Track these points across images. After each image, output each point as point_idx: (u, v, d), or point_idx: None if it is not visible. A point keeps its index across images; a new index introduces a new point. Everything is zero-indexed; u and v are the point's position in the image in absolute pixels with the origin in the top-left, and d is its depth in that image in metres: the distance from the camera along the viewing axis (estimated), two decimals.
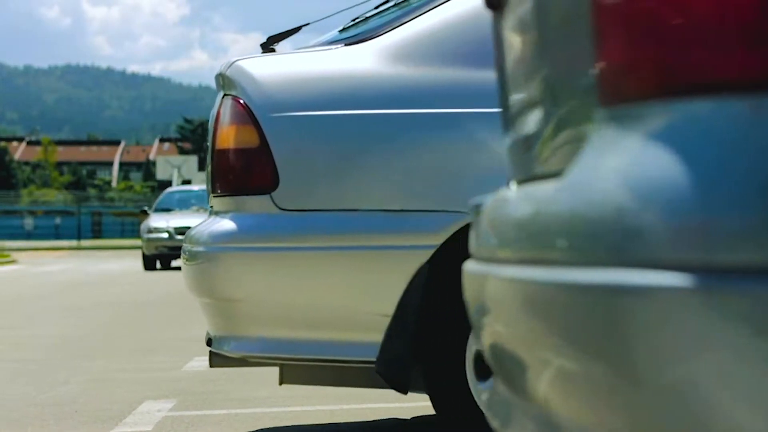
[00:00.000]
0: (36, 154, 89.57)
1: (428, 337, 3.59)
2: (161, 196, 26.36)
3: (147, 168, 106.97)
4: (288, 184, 3.57)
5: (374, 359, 3.56)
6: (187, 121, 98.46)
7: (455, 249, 3.51)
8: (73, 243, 48.66)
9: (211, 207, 3.91)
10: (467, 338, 3.55)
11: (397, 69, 3.63)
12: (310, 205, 3.57)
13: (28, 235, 53.84)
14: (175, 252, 23.24)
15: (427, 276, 3.52)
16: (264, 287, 3.58)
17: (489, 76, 3.48)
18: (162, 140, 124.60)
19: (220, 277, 3.63)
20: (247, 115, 3.63)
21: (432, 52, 3.64)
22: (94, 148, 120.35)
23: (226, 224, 3.64)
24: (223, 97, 3.76)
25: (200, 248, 3.70)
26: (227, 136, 3.68)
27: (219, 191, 3.74)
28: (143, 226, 24.31)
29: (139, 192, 77.78)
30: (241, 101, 3.65)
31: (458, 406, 3.59)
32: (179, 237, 22.83)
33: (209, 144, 3.89)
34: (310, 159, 3.58)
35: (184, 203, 25.36)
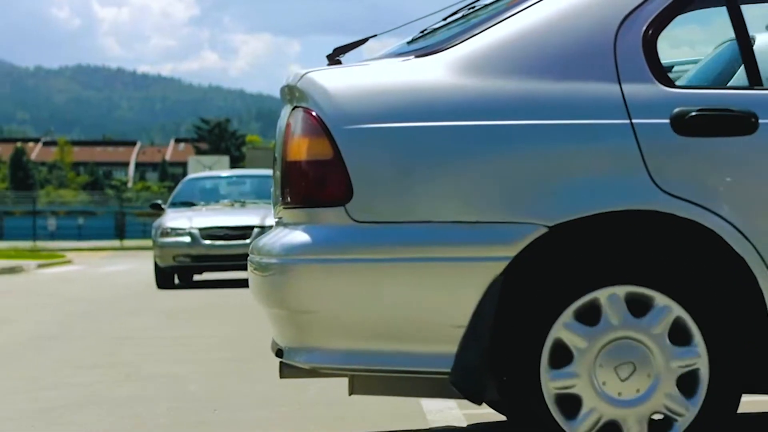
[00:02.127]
0: (52, 154, 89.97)
1: (502, 348, 3.62)
2: (180, 185, 19.35)
3: (163, 168, 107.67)
4: (362, 196, 3.60)
5: (447, 370, 3.59)
6: (203, 121, 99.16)
7: (529, 260, 3.57)
8: (116, 243, 49.34)
9: (279, 218, 3.94)
10: (541, 348, 3.59)
11: (469, 80, 3.66)
12: (384, 217, 3.60)
13: (52, 236, 54.24)
14: (201, 264, 17.00)
15: (502, 287, 3.55)
16: (337, 299, 3.61)
17: (561, 87, 3.62)
18: (177, 140, 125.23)
19: (293, 289, 3.66)
20: (320, 127, 3.66)
21: (504, 64, 3.67)
22: (110, 148, 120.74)
23: (299, 236, 3.66)
24: (293, 109, 3.78)
25: (272, 260, 3.72)
26: (299, 147, 3.71)
27: (290, 203, 3.76)
28: (156, 226, 17.41)
29: (156, 192, 78.32)
30: (314, 113, 3.68)
31: (532, 416, 3.64)
32: (207, 242, 16.70)
33: (278, 155, 3.92)
34: (384, 171, 3.62)
35: (211, 195, 18.75)
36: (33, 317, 11.92)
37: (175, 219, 17.11)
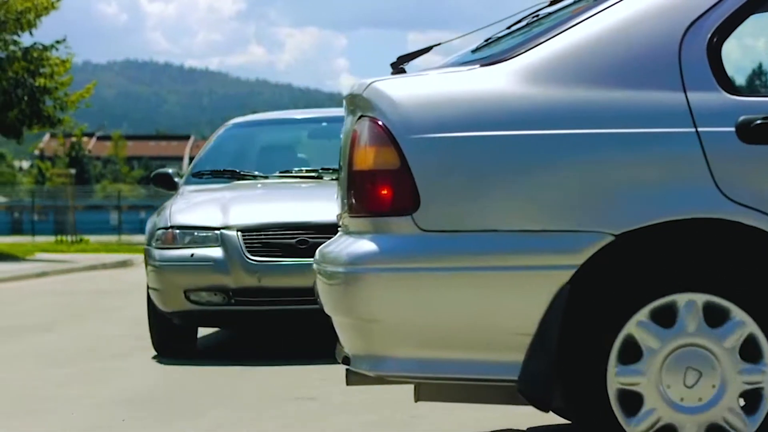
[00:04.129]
0: (106, 149, 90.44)
1: (569, 356, 3.64)
2: (214, 138, 9.88)
3: None
4: (428, 205, 3.64)
5: (514, 378, 3.63)
6: (254, 113, 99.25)
7: (596, 268, 3.60)
8: None
9: (345, 225, 3.98)
10: (612, 342, 3.63)
11: (536, 89, 3.68)
12: (451, 226, 3.63)
13: (113, 230, 54.51)
14: (246, 308, 7.88)
15: (569, 295, 3.58)
16: (404, 307, 3.65)
17: (626, 96, 3.64)
18: None
19: (360, 298, 3.69)
20: (386, 136, 3.69)
21: (569, 73, 3.70)
22: (163, 142, 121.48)
23: (366, 245, 3.69)
24: (359, 118, 3.81)
25: (339, 269, 3.76)
26: (366, 157, 3.75)
27: (356, 212, 3.80)
28: (151, 225, 8.42)
29: None
30: (380, 122, 3.71)
31: (592, 409, 3.66)
32: (258, 260, 7.78)
33: (343, 163, 3.97)
34: (451, 180, 3.64)
35: (271, 157, 9.69)
36: None
37: (192, 208, 8.32)
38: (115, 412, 5.82)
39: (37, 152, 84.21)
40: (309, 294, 5.41)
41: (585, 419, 3.68)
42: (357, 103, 3.87)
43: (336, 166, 7.17)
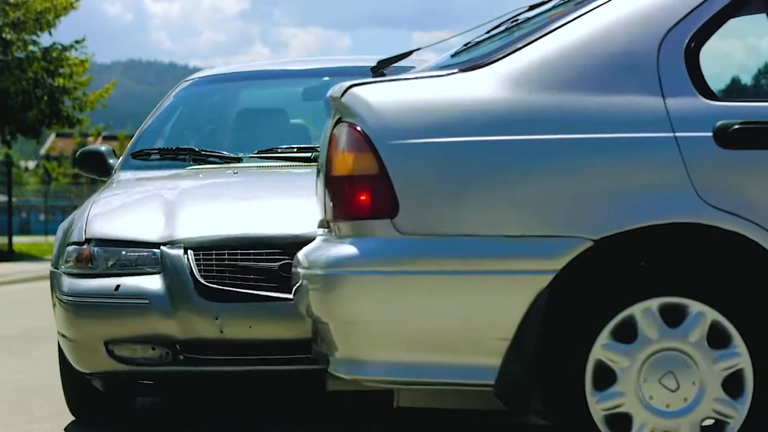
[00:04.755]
0: (112, 148, 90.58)
1: (547, 361, 3.65)
2: (167, 101, 6.58)
3: None
4: (407, 210, 3.65)
5: (491, 382, 3.64)
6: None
7: (574, 274, 3.61)
8: None
9: (326, 227, 3.98)
10: (586, 362, 3.62)
11: (515, 95, 3.69)
12: (430, 230, 3.64)
13: None
14: (197, 368, 4.93)
15: (547, 301, 3.59)
16: (383, 311, 3.65)
17: (605, 101, 3.65)
18: None
19: (339, 301, 3.69)
20: (365, 142, 3.70)
21: (548, 78, 3.70)
22: None
23: (346, 248, 3.70)
24: (338, 122, 3.82)
25: (319, 271, 3.75)
26: (344, 162, 3.76)
27: (336, 217, 3.81)
28: (58, 238, 5.44)
29: None
30: (359, 128, 3.72)
31: (576, 429, 3.66)
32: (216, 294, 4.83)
33: (321, 167, 3.98)
34: (429, 186, 3.66)
35: (247, 131, 6.49)
36: None
37: (119, 211, 5.48)
38: None
39: (42, 152, 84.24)
40: (297, 349, 4.68)
41: (563, 427, 3.71)
42: (336, 107, 3.87)
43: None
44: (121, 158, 6.29)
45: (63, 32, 30.48)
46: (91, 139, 68.68)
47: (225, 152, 6.09)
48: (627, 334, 3.64)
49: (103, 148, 6.40)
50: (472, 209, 3.64)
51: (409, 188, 3.67)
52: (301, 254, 4.05)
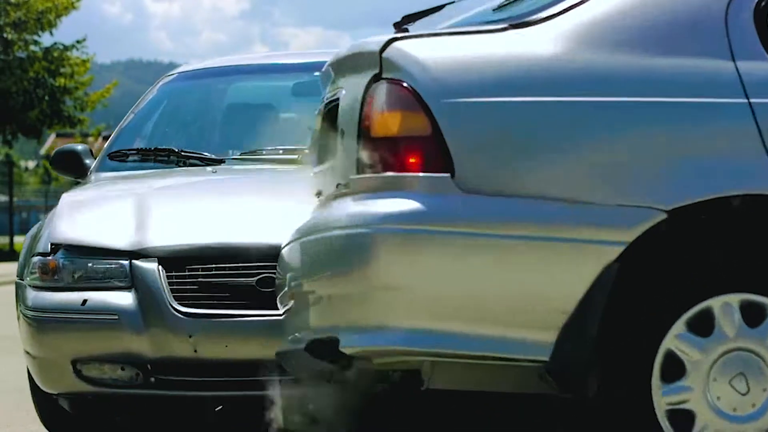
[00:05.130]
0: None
1: (610, 343, 3.34)
2: (147, 98, 6.17)
3: None
4: (465, 172, 3.35)
5: (544, 359, 3.33)
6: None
7: (649, 250, 3.32)
8: None
9: (344, 187, 3.58)
10: (657, 349, 3.33)
11: (577, 54, 3.45)
12: (491, 191, 3.35)
13: None
14: (161, 402, 4.68)
15: (616, 276, 3.30)
16: (432, 274, 3.32)
17: (672, 63, 3.40)
18: None
19: (379, 262, 3.32)
20: (414, 100, 3.40)
21: (612, 37, 3.48)
22: None
23: (392, 204, 3.35)
24: (375, 80, 3.49)
25: (354, 230, 3.38)
26: (389, 122, 3.44)
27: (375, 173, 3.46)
28: (25, 247, 5.19)
29: None
30: (406, 85, 3.41)
31: (635, 416, 3.37)
32: (188, 312, 4.50)
33: (350, 129, 3.59)
34: (490, 147, 3.38)
35: (234, 129, 6.09)
36: None
37: (88, 215, 5.06)
38: None
39: (42, 152, 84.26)
40: (284, 371, 4.18)
41: (620, 414, 3.39)
42: (368, 64, 3.53)
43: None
44: (97, 158, 5.88)
45: (63, 32, 30.51)
46: (91, 139, 68.45)
47: (207, 153, 5.65)
48: (703, 326, 3.36)
49: (79, 147, 5.97)
50: (536, 173, 3.37)
51: (467, 150, 3.38)
52: (307, 223, 3.74)
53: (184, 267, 4.58)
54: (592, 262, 3.32)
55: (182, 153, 5.60)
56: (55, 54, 28.34)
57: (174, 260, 4.59)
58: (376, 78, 3.49)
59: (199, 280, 4.57)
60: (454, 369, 3.49)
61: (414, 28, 3.88)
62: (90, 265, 4.69)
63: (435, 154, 3.38)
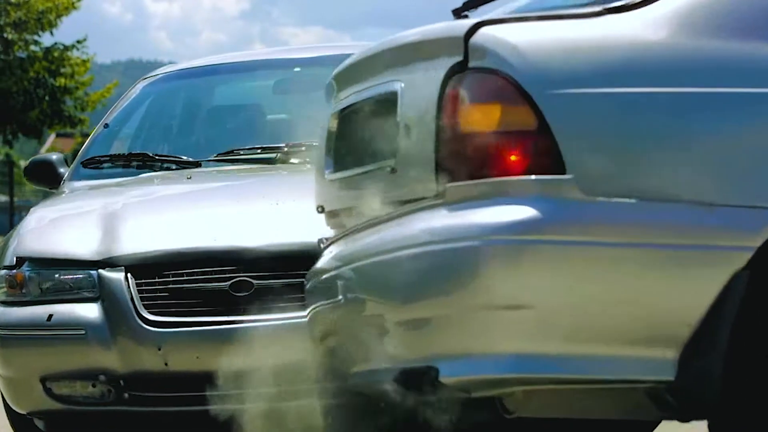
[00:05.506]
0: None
1: (743, 356, 2.97)
2: (124, 102, 6.06)
3: None
4: (577, 171, 2.97)
5: (669, 379, 2.97)
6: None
7: None
8: None
9: (433, 197, 3.13)
10: None
11: (690, 41, 3.10)
12: (606, 193, 2.96)
13: None
14: (134, 419, 4.46)
15: (747, 284, 2.93)
16: (548, 290, 2.93)
17: None
18: None
19: (499, 278, 2.91)
20: (516, 92, 3.01)
21: (729, 23, 3.14)
22: None
23: (505, 211, 2.94)
24: (461, 69, 3.09)
25: (468, 243, 2.94)
26: (484, 117, 3.06)
27: (471, 178, 3.07)
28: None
29: None
30: (505, 75, 3.02)
31: None
32: (158, 321, 4.31)
33: (429, 127, 3.15)
34: (604, 142, 3.01)
35: (214, 130, 5.90)
36: None
37: (55, 226, 4.92)
38: None
39: (42, 152, 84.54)
40: (261, 382, 4.05)
41: None
42: (444, 51, 3.15)
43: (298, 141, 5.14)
44: (70, 168, 5.68)
45: (63, 32, 30.53)
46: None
47: (183, 156, 5.46)
48: None
49: (54, 156, 5.78)
50: (659, 172, 3.00)
51: (580, 147, 3.00)
52: (365, 239, 3.33)
53: (154, 275, 4.37)
54: (720, 269, 2.97)
55: (156, 157, 5.48)
56: (56, 54, 28.34)
57: (143, 268, 4.38)
58: (461, 67, 3.11)
59: (170, 287, 4.35)
60: (549, 394, 3.14)
61: (475, 15, 3.51)
62: (57, 276, 4.51)
63: (543, 152, 3.01)
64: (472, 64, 3.09)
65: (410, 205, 3.25)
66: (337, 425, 3.84)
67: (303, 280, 3.79)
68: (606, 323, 2.96)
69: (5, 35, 28.15)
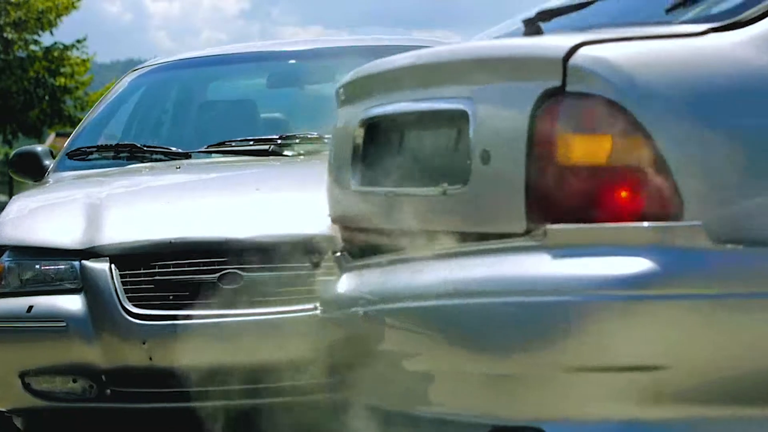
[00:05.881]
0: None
1: None
2: (112, 95, 5.96)
3: None
4: (699, 212, 2.62)
5: None
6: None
7: None
8: None
9: (536, 236, 2.74)
10: None
11: None
12: (738, 236, 2.61)
13: None
14: (117, 416, 4.28)
15: None
16: (694, 348, 2.59)
17: None
18: None
19: (586, 337, 2.57)
20: (627, 120, 2.66)
21: None
22: None
23: (636, 263, 2.57)
24: (559, 93, 2.73)
25: (566, 297, 2.60)
26: (589, 148, 2.70)
27: (572, 219, 2.71)
28: None
29: None
30: (612, 101, 2.67)
31: None
32: (144, 313, 4.14)
33: (518, 155, 2.76)
34: (727, 180, 2.65)
35: (217, 121, 5.78)
36: None
37: (37, 214, 4.79)
38: None
39: None
40: (242, 378, 3.91)
41: None
42: (534, 73, 2.80)
43: (312, 132, 5.03)
44: (56, 158, 5.53)
45: (63, 32, 30.62)
46: None
47: (173, 147, 5.33)
48: None
49: (39, 148, 5.64)
50: None
51: (703, 186, 2.65)
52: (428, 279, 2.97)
53: (140, 266, 4.19)
54: None
55: (145, 148, 5.34)
56: (56, 54, 28.47)
57: (128, 258, 4.20)
58: (557, 91, 2.75)
59: (157, 278, 4.17)
60: None
61: (548, 27, 3.15)
62: (38, 266, 4.32)
63: (660, 190, 2.65)
64: (571, 88, 2.74)
65: (494, 242, 2.87)
66: (326, 422, 3.65)
67: (293, 272, 3.79)
68: (730, 382, 2.63)
69: (5, 35, 28.27)
